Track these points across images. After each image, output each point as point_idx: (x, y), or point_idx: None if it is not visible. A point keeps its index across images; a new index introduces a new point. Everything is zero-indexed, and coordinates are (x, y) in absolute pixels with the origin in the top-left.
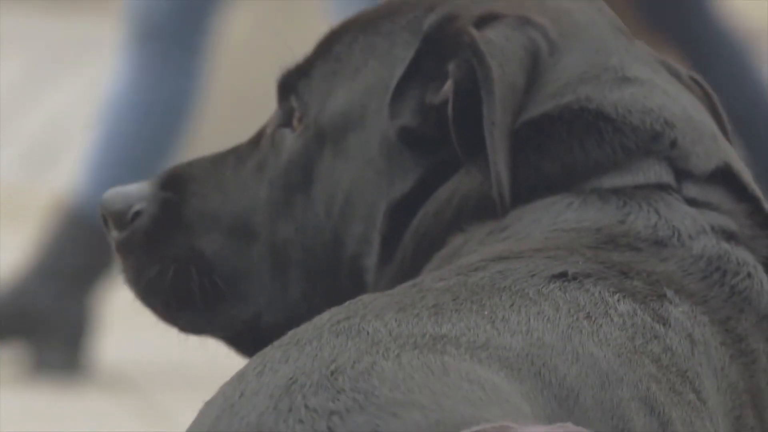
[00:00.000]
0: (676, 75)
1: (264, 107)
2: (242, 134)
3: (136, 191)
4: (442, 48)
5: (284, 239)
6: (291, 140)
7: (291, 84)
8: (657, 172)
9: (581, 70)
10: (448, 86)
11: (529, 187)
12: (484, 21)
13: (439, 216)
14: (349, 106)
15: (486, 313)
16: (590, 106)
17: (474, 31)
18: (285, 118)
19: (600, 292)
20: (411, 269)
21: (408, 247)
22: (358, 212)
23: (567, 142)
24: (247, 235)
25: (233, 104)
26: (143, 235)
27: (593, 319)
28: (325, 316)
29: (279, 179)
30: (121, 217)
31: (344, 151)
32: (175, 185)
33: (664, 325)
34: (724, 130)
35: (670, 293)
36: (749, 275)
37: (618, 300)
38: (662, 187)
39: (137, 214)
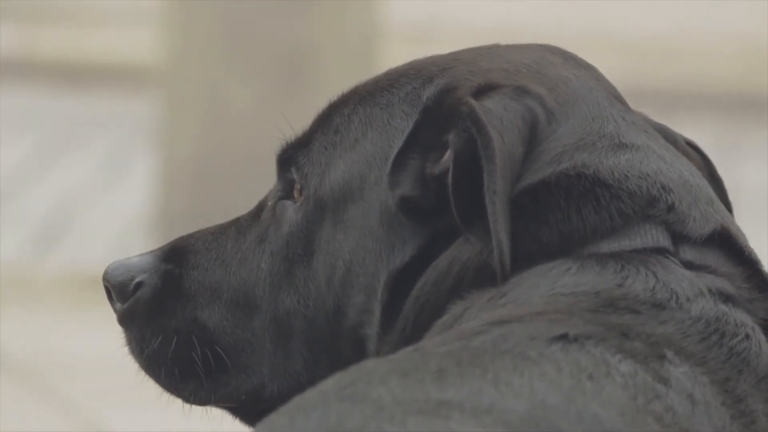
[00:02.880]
0: (672, 141)
1: (267, 177)
2: (246, 203)
3: (137, 263)
4: (441, 118)
5: (286, 310)
6: (292, 212)
7: (290, 157)
8: (654, 236)
9: (578, 138)
10: (448, 156)
11: (527, 254)
12: (482, 91)
13: (439, 284)
14: (349, 177)
15: (489, 376)
16: (587, 172)
17: (473, 101)
18: (285, 191)
19: (601, 353)
20: (412, 337)
21: (409, 315)
22: (359, 282)
23: (564, 209)
24: (249, 306)
25: (237, 173)
26: (145, 307)
27: (596, 379)
28: (330, 381)
29: (280, 250)
30: (123, 289)
31: (344, 222)
32: (177, 257)
33: (665, 385)
34: (722, 194)
35: (670, 354)
36: (747, 337)
37: (619, 360)
38: (659, 251)
39: (139, 285)
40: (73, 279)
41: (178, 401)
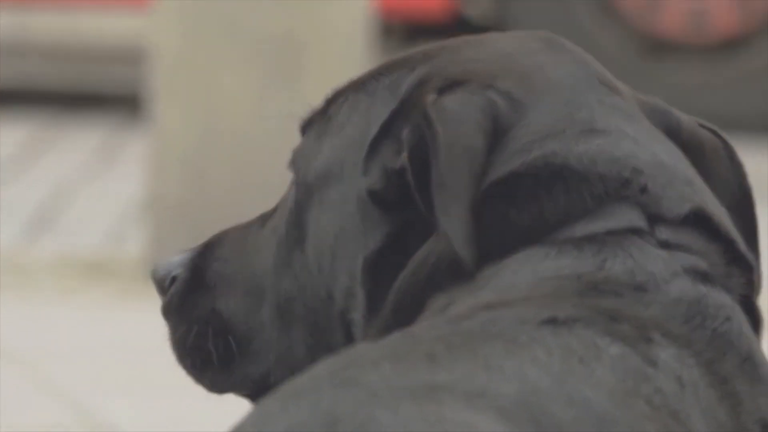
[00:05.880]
0: (675, 124)
1: (260, 165)
2: (239, 191)
3: (177, 259)
4: (407, 112)
5: (288, 297)
6: (290, 198)
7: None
8: (628, 216)
9: (548, 126)
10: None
11: (502, 244)
12: (449, 86)
13: (418, 275)
14: (332, 161)
15: (480, 360)
16: (556, 161)
17: (428, 97)
18: None
19: (591, 336)
20: (395, 325)
21: (391, 304)
22: (342, 265)
23: (536, 197)
24: (259, 295)
25: (230, 160)
26: (177, 300)
27: (586, 362)
28: (322, 366)
29: (282, 238)
30: (162, 284)
31: (327, 204)
32: (207, 251)
33: (653, 367)
34: (741, 179)
35: (657, 337)
36: (729, 318)
37: (608, 343)
38: (634, 231)
39: (173, 279)
40: (67, 265)
41: (171, 387)
